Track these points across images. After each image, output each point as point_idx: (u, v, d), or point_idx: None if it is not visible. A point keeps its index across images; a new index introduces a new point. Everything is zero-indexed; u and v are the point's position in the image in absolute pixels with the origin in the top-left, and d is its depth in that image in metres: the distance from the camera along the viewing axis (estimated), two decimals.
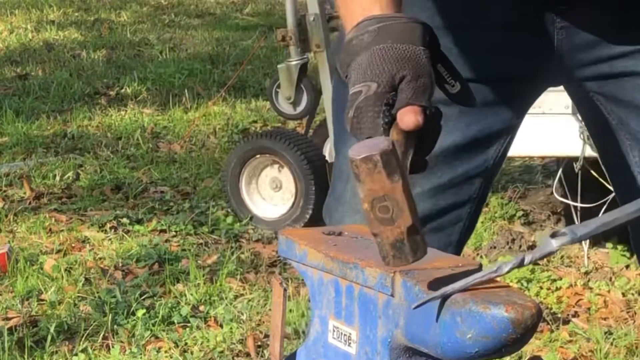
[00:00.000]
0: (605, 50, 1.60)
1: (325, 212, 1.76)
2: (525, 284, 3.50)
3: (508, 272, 1.11)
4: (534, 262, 1.09)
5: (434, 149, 1.60)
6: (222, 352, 3.10)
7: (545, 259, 3.77)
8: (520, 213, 4.16)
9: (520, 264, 1.11)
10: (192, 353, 3.09)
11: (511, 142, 1.71)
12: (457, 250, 1.70)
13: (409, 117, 1.23)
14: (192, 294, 3.45)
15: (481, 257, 3.74)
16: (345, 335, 1.22)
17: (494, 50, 1.60)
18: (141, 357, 3.08)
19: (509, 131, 1.68)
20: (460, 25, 1.58)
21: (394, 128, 1.23)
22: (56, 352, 3.08)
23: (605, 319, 3.32)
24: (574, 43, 1.60)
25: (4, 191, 4.57)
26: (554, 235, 1.10)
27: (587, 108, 1.70)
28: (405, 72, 1.25)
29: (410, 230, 1.10)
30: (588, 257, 3.72)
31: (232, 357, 3.10)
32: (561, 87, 1.74)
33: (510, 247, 3.77)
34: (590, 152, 3.36)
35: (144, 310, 3.29)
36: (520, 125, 1.71)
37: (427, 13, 1.56)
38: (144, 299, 3.41)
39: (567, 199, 3.79)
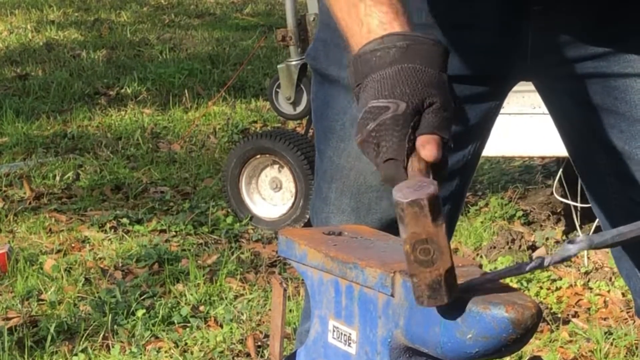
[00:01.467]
0: (578, 50, 1.60)
1: (312, 213, 1.76)
2: (525, 284, 3.51)
3: (528, 271, 1.13)
4: (554, 264, 1.12)
5: None
6: (222, 352, 3.10)
7: None
8: (520, 213, 4.16)
9: (540, 266, 1.13)
10: (192, 353, 3.09)
11: (487, 137, 1.71)
12: None
13: (431, 148, 1.22)
14: (192, 294, 3.45)
15: (481, 257, 3.74)
16: (345, 335, 1.22)
17: (471, 48, 1.60)
18: (141, 357, 3.08)
19: (485, 125, 1.68)
20: (438, 23, 1.59)
21: (414, 155, 1.22)
22: (56, 352, 3.08)
23: (605, 319, 3.32)
24: (548, 43, 1.60)
25: (4, 191, 4.57)
26: (572, 241, 1.11)
27: (556, 107, 1.70)
28: (435, 99, 1.24)
29: (448, 273, 1.11)
30: (588, 257, 3.72)
31: (232, 357, 3.10)
32: None
33: (510, 247, 3.77)
34: None
35: (144, 310, 3.29)
36: (495, 121, 1.71)
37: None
38: (144, 299, 3.41)
39: (567, 199, 3.79)
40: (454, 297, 1.12)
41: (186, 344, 3.16)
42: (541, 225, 4.08)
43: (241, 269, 3.70)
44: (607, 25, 1.59)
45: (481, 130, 1.68)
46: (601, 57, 1.60)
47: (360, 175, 1.64)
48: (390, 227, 1.59)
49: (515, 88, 1.73)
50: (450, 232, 1.75)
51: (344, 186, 1.67)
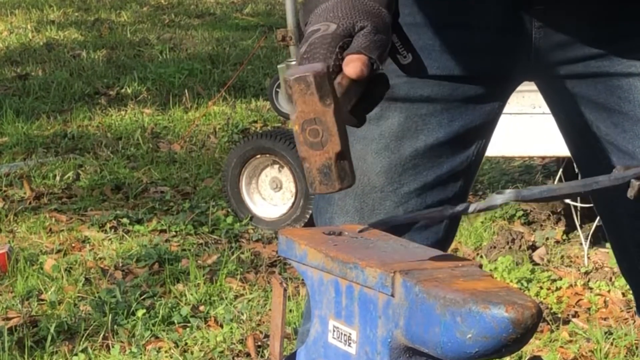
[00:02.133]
0: (581, 50, 1.60)
1: (315, 214, 1.76)
2: (525, 284, 3.51)
3: (451, 215, 1.17)
4: (478, 212, 1.15)
5: (420, 149, 1.61)
6: (222, 352, 3.10)
7: (544, 259, 3.77)
8: (520, 213, 4.16)
9: (465, 211, 1.15)
10: (192, 353, 3.09)
11: (489, 138, 1.71)
12: (443, 248, 1.70)
13: (354, 65, 1.23)
14: (192, 294, 3.45)
15: (481, 257, 3.74)
16: (345, 335, 1.22)
17: (473, 48, 1.61)
18: (141, 357, 3.08)
19: (488, 126, 1.68)
20: (441, 23, 1.59)
21: (341, 73, 1.23)
22: (56, 352, 3.08)
23: (605, 319, 3.32)
24: (551, 42, 1.60)
25: (4, 191, 4.57)
26: (500, 192, 1.14)
27: (558, 107, 1.70)
28: (366, 23, 1.27)
29: (338, 157, 1.09)
30: (588, 257, 3.72)
31: (232, 357, 3.10)
32: None
33: (510, 247, 3.77)
34: None
35: (144, 310, 3.29)
36: (498, 121, 1.71)
37: (408, 9, 1.57)
38: (144, 299, 3.41)
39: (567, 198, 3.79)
40: (347, 186, 1.11)
41: (186, 344, 3.16)
42: (541, 225, 4.08)
43: (241, 269, 3.70)
44: (610, 24, 1.59)
45: (485, 130, 1.68)
46: (604, 56, 1.60)
47: (364, 176, 1.65)
48: (393, 227, 1.59)
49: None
50: (452, 233, 1.74)
51: None
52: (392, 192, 1.64)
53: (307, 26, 1.31)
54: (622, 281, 3.53)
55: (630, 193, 1.17)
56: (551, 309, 3.37)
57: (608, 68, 1.60)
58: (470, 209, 1.14)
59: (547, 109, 1.75)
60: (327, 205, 1.71)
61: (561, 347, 3.13)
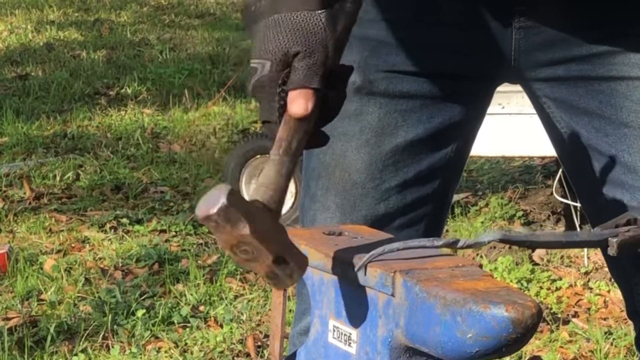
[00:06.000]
0: (562, 52, 1.59)
1: (300, 211, 1.76)
2: (525, 284, 3.51)
3: (439, 247, 1.18)
4: (465, 247, 1.18)
5: (400, 145, 1.61)
6: (222, 352, 3.11)
7: (544, 259, 3.77)
8: (520, 213, 4.16)
9: (454, 244, 1.17)
10: (192, 353, 3.10)
11: (472, 138, 1.70)
12: None
13: (297, 104, 1.21)
14: (192, 294, 3.46)
15: (481, 257, 3.74)
16: (345, 335, 1.22)
17: (453, 47, 1.60)
18: (141, 357, 3.08)
19: (469, 124, 1.67)
20: (421, 21, 1.59)
21: (287, 113, 1.22)
22: (56, 352, 3.08)
23: (605, 319, 3.32)
24: (531, 44, 1.59)
25: (4, 191, 4.57)
26: (488, 232, 1.17)
27: (541, 110, 1.69)
28: (298, 48, 1.23)
29: (276, 262, 1.13)
30: (588, 257, 3.72)
31: (232, 357, 3.10)
32: None
33: (510, 247, 3.77)
34: None
35: (144, 310, 3.29)
36: (482, 121, 1.71)
37: (387, 6, 1.57)
38: (144, 299, 3.41)
39: (567, 199, 3.79)
40: (298, 278, 1.15)
41: (186, 344, 3.16)
42: (541, 225, 4.08)
43: (241, 269, 3.70)
44: (591, 27, 1.58)
45: (464, 129, 1.67)
46: (585, 59, 1.59)
47: (345, 173, 1.65)
48: (375, 224, 1.59)
49: (516, 88, 1.73)
50: (437, 233, 1.74)
51: (329, 183, 1.67)
52: (373, 189, 1.64)
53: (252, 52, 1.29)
54: None
55: (611, 252, 1.21)
56: (551, 309, 3.37)
57: (589, 72, 1.59)
58: (460, 243, 1.17)
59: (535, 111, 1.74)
60: (311, 202, 1.71)
61: (561, 347, 3.13)
